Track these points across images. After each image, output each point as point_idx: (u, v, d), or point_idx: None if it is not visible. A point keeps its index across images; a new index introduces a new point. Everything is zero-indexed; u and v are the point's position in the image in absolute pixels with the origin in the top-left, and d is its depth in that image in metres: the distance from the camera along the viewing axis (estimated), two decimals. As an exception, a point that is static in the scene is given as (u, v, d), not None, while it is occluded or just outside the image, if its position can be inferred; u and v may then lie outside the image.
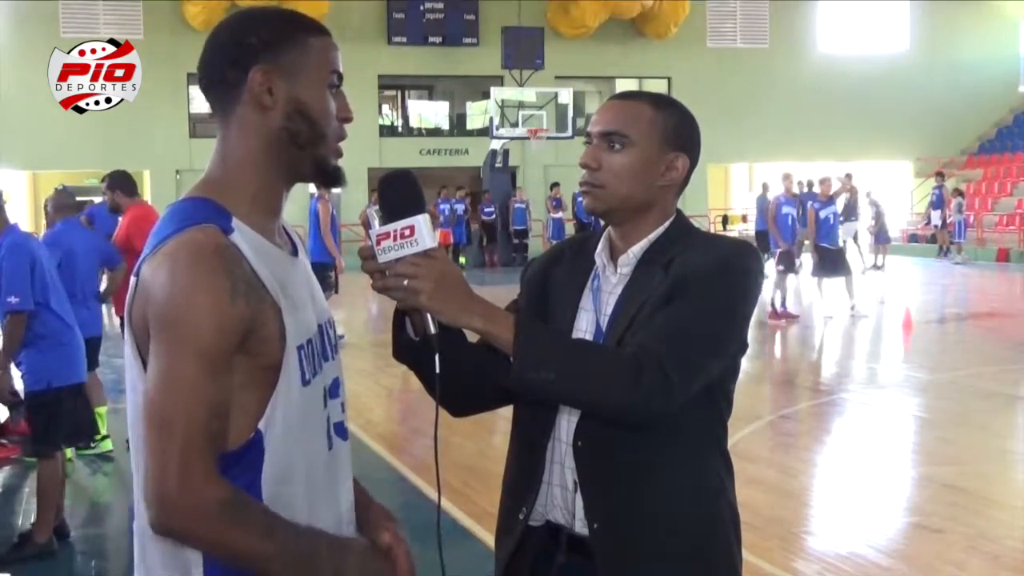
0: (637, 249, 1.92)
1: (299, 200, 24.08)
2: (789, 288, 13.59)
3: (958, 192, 23.25)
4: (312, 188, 10.53)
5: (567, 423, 1.89)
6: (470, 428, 4.51)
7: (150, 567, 1.56)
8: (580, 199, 2.26)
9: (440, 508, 1.69)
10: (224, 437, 1.48)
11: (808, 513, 5.80)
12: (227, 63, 1.58)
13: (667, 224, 1.94)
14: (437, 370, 1.68)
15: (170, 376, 1.44)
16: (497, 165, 24.13)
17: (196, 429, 1.43)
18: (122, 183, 7.08)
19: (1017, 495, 6.03)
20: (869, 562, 4.82)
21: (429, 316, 1.67)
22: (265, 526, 1.46)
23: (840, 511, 5.77)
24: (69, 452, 6.36)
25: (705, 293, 1.80)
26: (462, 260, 24.51)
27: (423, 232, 1.62)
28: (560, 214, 23.88)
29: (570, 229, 23.29)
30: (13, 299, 4.92)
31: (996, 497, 5.88)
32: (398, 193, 1.66)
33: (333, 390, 1.67)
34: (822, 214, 13.24)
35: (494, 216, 24.38)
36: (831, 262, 13.30)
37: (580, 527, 1.89)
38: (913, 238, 26.39)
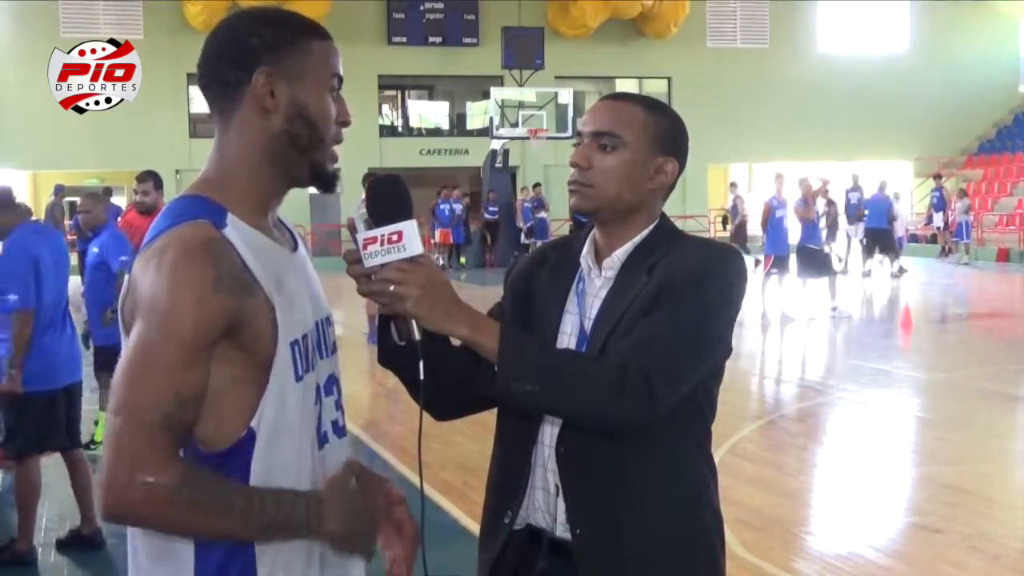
0: (621, 252, 1.92)
1: (298, 200, 23.95)
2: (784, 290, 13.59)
3: (963, 193, 23.27)
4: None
5: (550, 428, 1.89)
6: (470, 428, 4.51)
7: (141, 566, 1.56)
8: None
9: (424, 512, 1.68)
10: (188, 427, 1.47)
11: (808, 513, 5.80)
12: (229, 63, 1.58)
13: (651, 227, 1.94)
14: (421, 376, 1.68)
15: (140, 361, 1.44)
16: (497, 165, 24.12)
17: (155, 414, 1.42)
18: (161, 184, 7.11)
19: (1017, 495, 6.03)
20: (869, 562, 4.82)
21: (414, 322, 1.66)
22: (221, 503, 1.44)
23: (840, 511, 5.77)
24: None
25: (688, 299, 1.80)
26: (462, 260, 24.51)
27: (411, 238, 1.62)
28: (543, 214, 23.89)
29: (564, 229, 23.33)
30: (12, 297, 4.84)
31: (996, 497, 5.87)
32: (387, 197, 1.66)
33: (328, 388, 1.67)
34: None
35: (498, 216, 24.34)
36: (814, 263, 13.30)
37: (562, 531, 1.88)
38: (913, 238, 26.37)
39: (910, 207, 28.74)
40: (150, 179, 7.19)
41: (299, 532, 1.52)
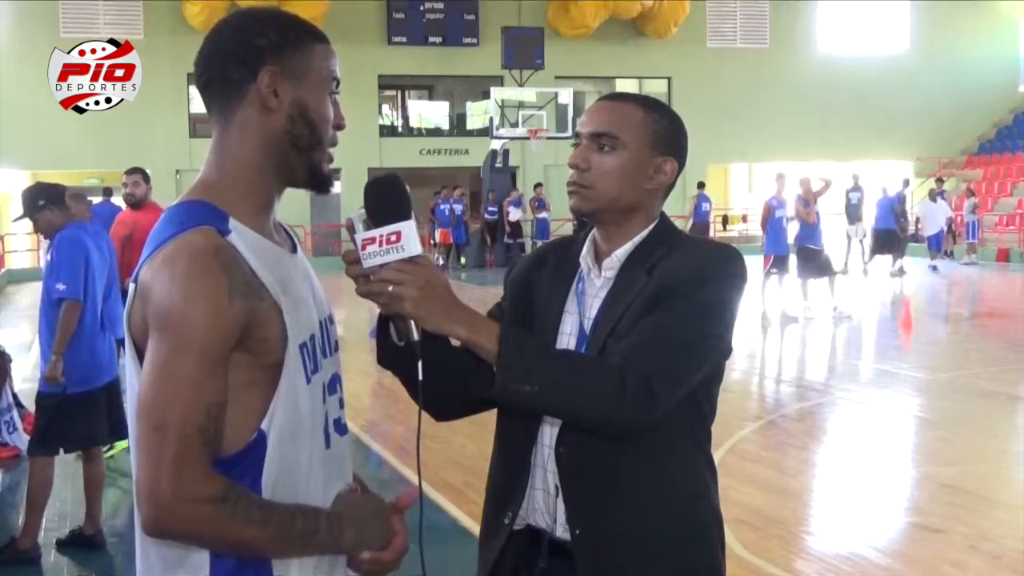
0: (621, 252, 1.92)
1: (298, 200, 23.88)
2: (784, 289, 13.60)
3: (971, 192, 23.33)
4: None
5: (550, 428, 1.89)
6: (471, 428, 4.51)
7: (153, 570, 1.56)
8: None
9: (422, 512, 1.68)
10: (220, 437, 1.48)
11: (808, 513, 5.80)
12: (232, 62, 1.58)
13: (651, 227, 1.94)
14: (420, 377, 1.67)
15: (166, 376, 1.45)
16: (497, 165, 24.13)
17: (191, 429, 1.44)
18: (148, 178, 7.20)
19: (1017, 495, 6.03)
20: (869, 562, 4.82)
21: (413, 323, 1.66)
22: (260, 515, 1.47)
23: (840, 511, 5.77)
24: (115, 447, 6.27)
25: (688, 300, 1.79)
26: (463, 260, 24.51)
27: (409, 238, 1.62)
28: (544, 214, 23.90)
29: (566, 229, 23.33)
30: (61, 286, 4.90)
31: (996, 497, 5.87)
32: (385, 198, 1.66)
33: (332, 386, 1.68)
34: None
35: (497, 216, 24.35)
36: (814, 263, 13.30)
37: (561, 532, 1.88)
38: (913, 238, 26.37)
39: (910, 206, 28.74)
40: (138, 172, 7.34)
41: (320, 545, 1.55)
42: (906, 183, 20.07)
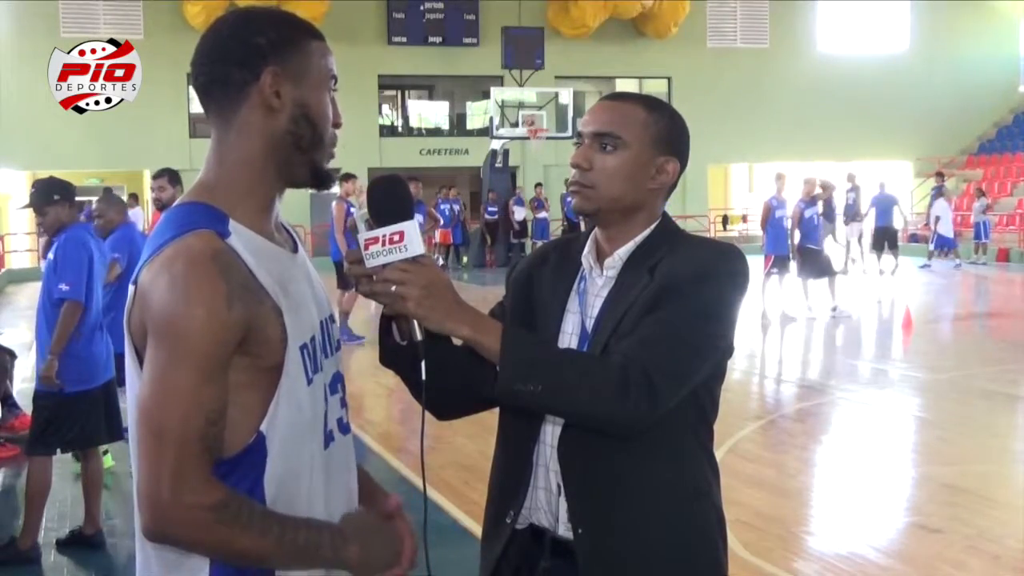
0: (623, 252, 1.92)
1: (298, 200, 23.74)
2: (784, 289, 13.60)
3: (980, 192, 23.41)
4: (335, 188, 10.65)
5: (552, 427, 1.89)
6: (471, 428, 4.51)
7: (152, 572, 1.56)
8: (569, 199, 2.23)
9: (427, 511, 1.68)
10: (221, 442, 1.48)
11: (808, 513, 5.79)
12: (234, 63, 1.56)
13: (653, 227, 1.94)
14: (423, 376, 1.68)
15: (165, 382, 1.44)
16: (497, 165, 24.13)
17: (191, 435, 1.43)
18: (178, 179, 7.07)
19: (1017, 495, 6.03)
20: (869, 562, 4.82)
21: (416, 322, 1.66)
22: (260, 525, 1.46)
23: (840, 511, 5.77)
24: (108, 460, 6.28)
25: (690, 299, 1.80)
26: (464, 260, 24.51)
27: (412, 238, 1.62)
28: (543, 214, 23.89)
29: (558, 230, 23.34)
30: (64, 286, 4.90)
31: (996, 497, 5.87)
32: (388, 198, 1.66)
33: (333, 386, 1.68)
34: (806, 214, 13.22)
35: (497, 216, 24.35)
36: (814, 263, 13.28)
37: (564, 531, 1.88)
38: (913, 238, 26.37)
39: (910, 207, 28.75)
40: (164, 175, 7.18)
41: (323, 560, 1.54)
42: (882, 186, 20.32)
